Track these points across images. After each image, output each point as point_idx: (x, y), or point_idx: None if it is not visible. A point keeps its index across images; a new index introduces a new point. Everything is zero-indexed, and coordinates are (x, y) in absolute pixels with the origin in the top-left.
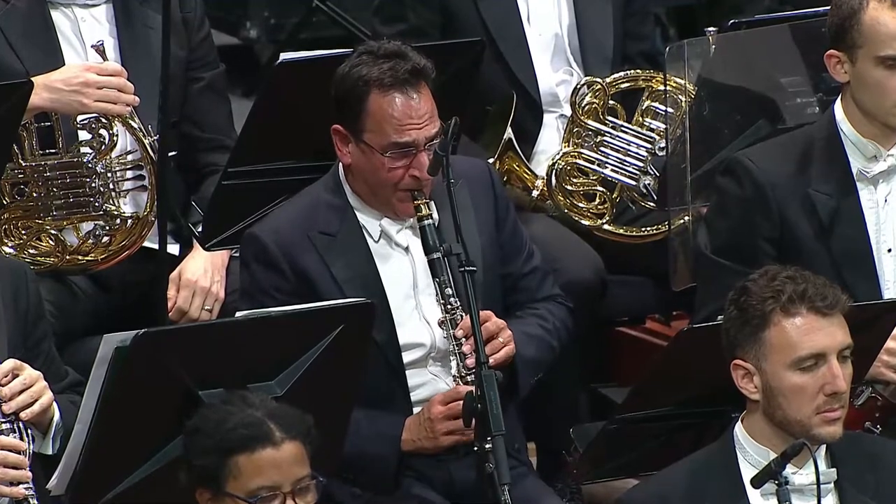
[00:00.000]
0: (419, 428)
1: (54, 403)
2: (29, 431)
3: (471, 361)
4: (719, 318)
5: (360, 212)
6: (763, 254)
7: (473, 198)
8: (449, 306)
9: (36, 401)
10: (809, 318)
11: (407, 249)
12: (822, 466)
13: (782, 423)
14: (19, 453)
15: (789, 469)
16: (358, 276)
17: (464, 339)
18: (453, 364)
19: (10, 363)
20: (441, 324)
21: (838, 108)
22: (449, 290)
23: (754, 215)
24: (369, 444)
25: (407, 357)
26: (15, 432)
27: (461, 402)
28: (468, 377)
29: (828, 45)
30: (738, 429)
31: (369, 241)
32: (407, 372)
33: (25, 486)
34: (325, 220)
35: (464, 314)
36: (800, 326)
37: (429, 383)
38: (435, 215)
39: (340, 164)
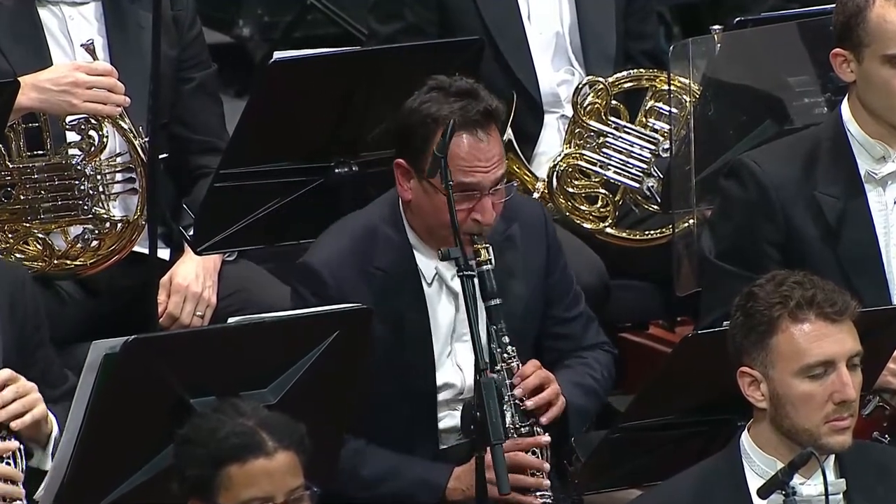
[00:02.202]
0: (470, 476)
1: (52, 417)
2: (22, 446)
3: (528, 407)
4: (725, 324)
5: (417, 250)
6: (768, 258)
7: (525, 246)
8: (506, 355)
9: (28, 411)
10: (818, 324)
11: (457, 297)
12: (831, 476)
13: (790, 431)
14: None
15: (797, 479)
16: (408, 319)
17: (519, 387)
18: (507, 415)
19: (3, 374)
20: (496, 373)
21: (845, 108)
22: (506, 339)
23: (759, 219)
24: (411, 490)
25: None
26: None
27: (522, 456)
28: (522, 429)
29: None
30: (745, 438)
31: (423, 282)
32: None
33: (19, 502)
34: (382, 255)
35: (520, 364)
36: (808, 333)
37: (453, 417)
38: (493, 260)
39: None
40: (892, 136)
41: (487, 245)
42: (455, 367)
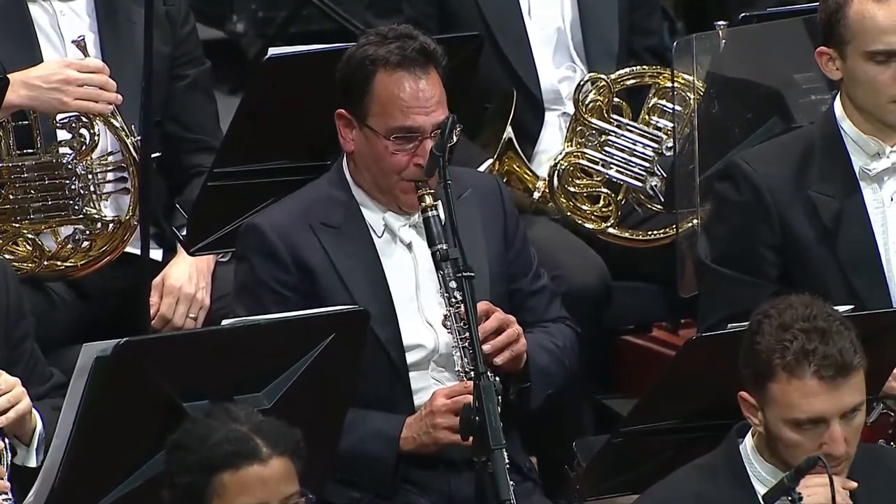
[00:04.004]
0: (420, 423)
1: (36, 414)
2: (7, 441)
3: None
4: (730, 326)
5: (364, 206)
6: (765, 262)
7: (482, 212)
8: (453, 300)
9: (12, 407)
10: (812, 383)
11: (410, 247)
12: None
13: (782, 461)
14: None
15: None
16: (361, 271)
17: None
18: (457, 358)
19: None
20: (445, 317)
21: (837, 105)
22: (453, 284)
23: (754, 221)
24: (366, 443)
25: (409, 358)
26: None
27: (467, 396)
28: (473, 373)
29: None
30: (748, 441)
31: (373, 235)
32: (410, 374)
33: (4, 496)
34: (328, 212)
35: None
36: (800, 389)
37: (431, 387)
38: (441, 210)
39: (345, 157)
40: (885, 131)
41: (432, 191)
42: (425, 324)
